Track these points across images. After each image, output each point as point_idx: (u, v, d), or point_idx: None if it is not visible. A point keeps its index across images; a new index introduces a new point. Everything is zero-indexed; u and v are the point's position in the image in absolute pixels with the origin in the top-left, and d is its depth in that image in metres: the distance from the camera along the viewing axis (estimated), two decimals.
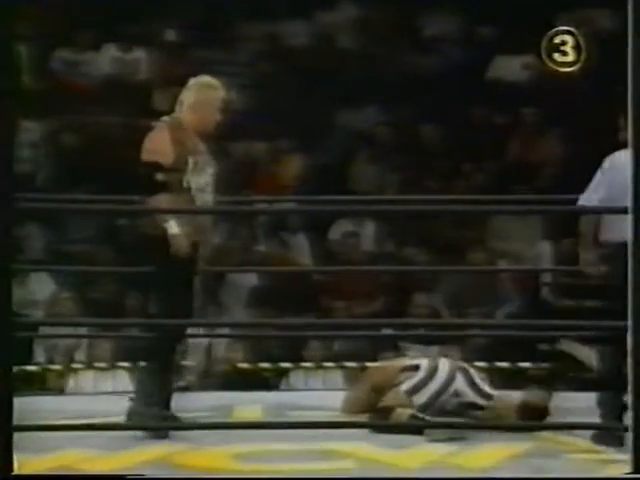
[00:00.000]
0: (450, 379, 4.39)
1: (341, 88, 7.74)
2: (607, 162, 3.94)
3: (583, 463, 3.82)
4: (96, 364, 6.32)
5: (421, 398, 4.35)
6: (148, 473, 3.47)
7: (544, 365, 6.33)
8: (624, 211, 3.32)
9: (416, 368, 4.43)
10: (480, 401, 4.37)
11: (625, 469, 3.34)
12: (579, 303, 6.56)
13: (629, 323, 3.26)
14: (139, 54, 8.00)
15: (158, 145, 4.24)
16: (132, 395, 4.23)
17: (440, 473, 3.66)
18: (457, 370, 4.41)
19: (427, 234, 7.23)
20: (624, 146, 3.90)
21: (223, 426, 4.06)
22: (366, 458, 3.85)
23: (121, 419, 4.24)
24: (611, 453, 3.83)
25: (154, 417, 4.11)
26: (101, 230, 7.28)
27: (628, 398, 3.24)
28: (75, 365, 6.36)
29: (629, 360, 3.21)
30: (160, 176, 4.19)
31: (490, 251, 7.17)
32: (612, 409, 3.85)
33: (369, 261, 7.20)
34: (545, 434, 4.15)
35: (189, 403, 4.66)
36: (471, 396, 4.37)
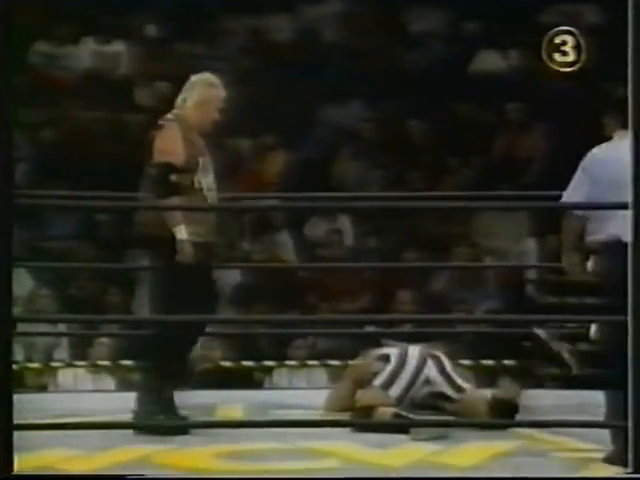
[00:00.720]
0: (420, 366, 4.39)
1: (325, 83, 7.74)
2: (587, 158, 3.86)
3: (567, 462, 3.83)
4: (77, 362, 6.31)
5: (395, 391, 4.36)
6: (130, 473, 3.48)
7: (528, 362, 6.35)
8: (624, 206, 3.26)
9: (387, 358, 4.43)
10: (450, 392, 4.36)
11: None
12: (563, 300, 6.60)
13: (629, 321, 3.24)
14: (119, 47, 7.97)
15: (170, 145, 4.21)
16: (140, 394, 4.21)
17: (424, 472, 3.67)
18: (428, 356, 4.41)
19: (412, 231, 7.24)
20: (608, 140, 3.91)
21: (214, 425, 4.06)
22: (350, 457, 3.86)
23: (106, 418, 4.24)
24: (594, 452, 3.83)
25: (163, 415, 4.13)
26: (80, 226, 7.27)
27: (628, 397, 3.24)
28: (55, 363, 6.35)
29: (629, 359, 3.20)
30: (173, 177, 4.17)
31: (475, 247, 7.20)
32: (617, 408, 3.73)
33: (352, 258, 7.21)
34: (529, 432, 4.17)
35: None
36: (442, 385, 4.37)
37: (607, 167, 3.79)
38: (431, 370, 4.40)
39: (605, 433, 3.79)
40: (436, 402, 4.39)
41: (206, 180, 4.27)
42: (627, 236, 3.63)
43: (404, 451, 3.92)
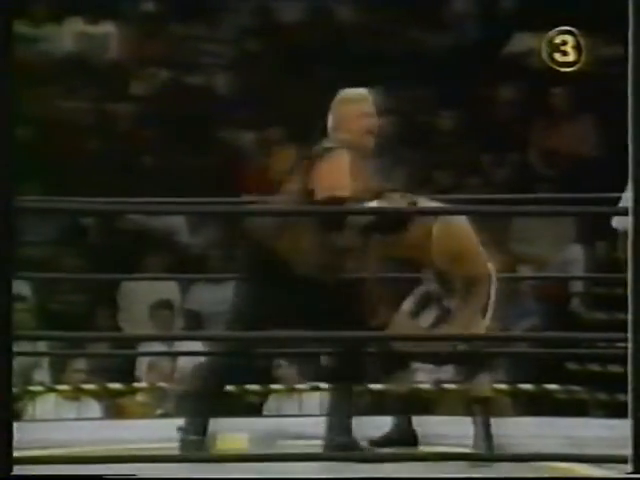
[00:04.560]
0: None
1: (340, 69, 7.71)
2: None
3: None
4: (59, 387, 6.27)
5: None
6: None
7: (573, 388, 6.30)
8: (624, 212, 3.28)
9: None
10: None
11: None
12: (614, 316, 6.54)
13: (629, 323, 3.21)
14: (108, 29, 7.95)
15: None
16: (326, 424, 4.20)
17: None
18: None
19: None
20: None
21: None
22: None
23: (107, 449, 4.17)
24: None
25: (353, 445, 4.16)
26: (62, 232, 7.22)
27: (628, 399, 3.21)
28: (34, 388, 6.30)
29: (629, 361, 3.18)
30: None
31: (511, 256, 7.14)
32: None
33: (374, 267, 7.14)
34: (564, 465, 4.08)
35: (168, 431, 4.55)
36: None
37: None
38: None
39: None
40: None
41: None
42: None
43: None
